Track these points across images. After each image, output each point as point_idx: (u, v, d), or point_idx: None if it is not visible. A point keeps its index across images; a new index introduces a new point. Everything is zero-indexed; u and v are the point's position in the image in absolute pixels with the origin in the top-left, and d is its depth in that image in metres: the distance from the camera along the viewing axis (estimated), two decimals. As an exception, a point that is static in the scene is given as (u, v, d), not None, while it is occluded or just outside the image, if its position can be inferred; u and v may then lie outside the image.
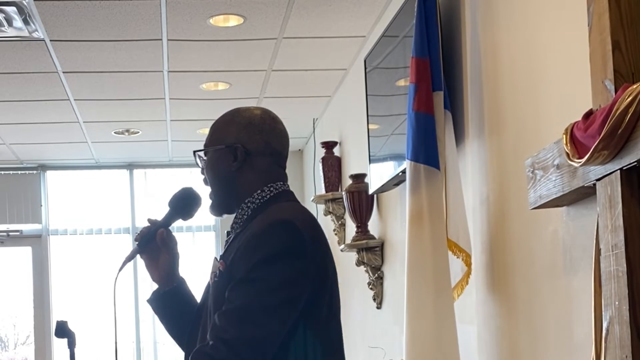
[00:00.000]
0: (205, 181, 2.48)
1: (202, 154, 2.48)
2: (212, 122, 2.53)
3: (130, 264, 2.49)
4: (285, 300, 2.22)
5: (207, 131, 2.52)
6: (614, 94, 2.08)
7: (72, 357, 2.61)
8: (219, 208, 2.47)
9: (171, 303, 2.50)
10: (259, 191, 2.40)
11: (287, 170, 2.50)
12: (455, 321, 3.36)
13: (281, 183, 2.43)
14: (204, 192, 2.51)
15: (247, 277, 2.24)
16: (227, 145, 2.41)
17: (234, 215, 2.46)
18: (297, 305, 2.25)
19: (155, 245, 2.45)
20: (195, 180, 2.56)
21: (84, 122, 6.81)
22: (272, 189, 2.40)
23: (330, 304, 2.36)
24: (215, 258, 2.44)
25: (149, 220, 2.50)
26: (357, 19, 4.84)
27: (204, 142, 2.51)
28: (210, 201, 2.47)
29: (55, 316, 8.37)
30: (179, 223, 2.55)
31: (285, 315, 2.23)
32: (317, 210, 6.41)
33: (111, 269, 8.30)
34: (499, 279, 3.26)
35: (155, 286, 2.55)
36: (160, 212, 2.52)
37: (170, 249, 2.48)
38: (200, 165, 2.49)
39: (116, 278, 2.42)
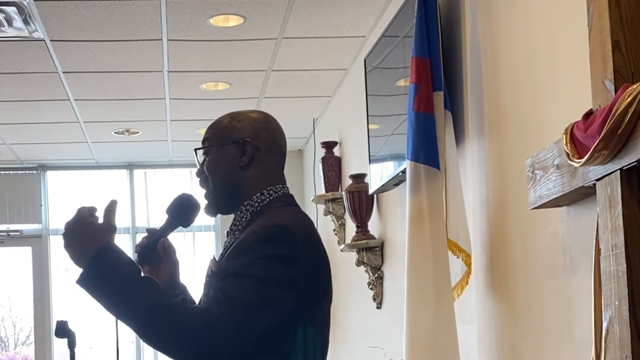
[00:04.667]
0: (202, 182, 2.43)
1: (201, 152, 2.42)
2: (212, 122, 2.48)
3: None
4: (265, 303, 2.19)
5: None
6: (614, 94, 2.08)
7: (72, 357, 2.62)
8: (217, 207, 2.43)
9: None
10: (258, 194, 2.36)
11: (286, 170, 2.49)
12: (455, 321, 3.36)
13: (281, 186, 2.40)
14: (201, 197, 2.47)
15: (238, 271, 2.20)
16: (234, 140, 2.37)
17: (232, 215, 2.44)
18: (276, 310, 2.21)
19: (155, 255, 2.43)
20: (195, 181, 2.53)
21: (84, 122, 6.81)
22: (271, 192, 2.38)
23: (325, 304, 2.36)
24: (213, 258, 2.43)
25: (148, 231, 2.45)
26: (357, 19, 4.84)
27: (201, 143, 2.45)
28: (206, 201, 2.43)
29: (55, 316, 8.36)
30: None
31: (264, 316, 2.19)
32: (317, 211, 6.41)
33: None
34: (499, 279, 3.26)
35: None
36: (160, 212, 2.52)
37: (171, 257, 2.45)
38: (199, 164, 2.43)
39: None
